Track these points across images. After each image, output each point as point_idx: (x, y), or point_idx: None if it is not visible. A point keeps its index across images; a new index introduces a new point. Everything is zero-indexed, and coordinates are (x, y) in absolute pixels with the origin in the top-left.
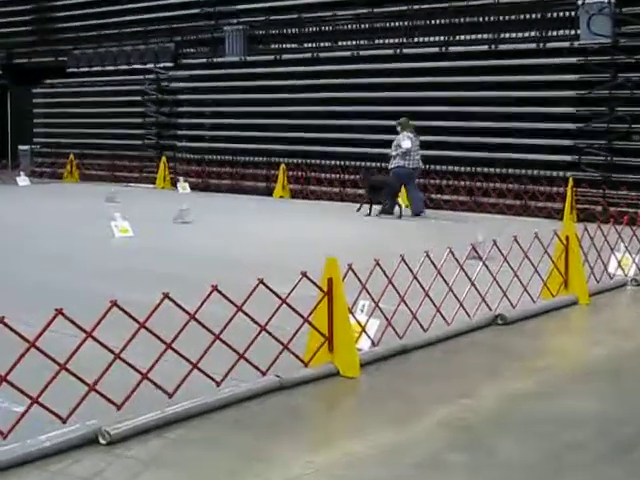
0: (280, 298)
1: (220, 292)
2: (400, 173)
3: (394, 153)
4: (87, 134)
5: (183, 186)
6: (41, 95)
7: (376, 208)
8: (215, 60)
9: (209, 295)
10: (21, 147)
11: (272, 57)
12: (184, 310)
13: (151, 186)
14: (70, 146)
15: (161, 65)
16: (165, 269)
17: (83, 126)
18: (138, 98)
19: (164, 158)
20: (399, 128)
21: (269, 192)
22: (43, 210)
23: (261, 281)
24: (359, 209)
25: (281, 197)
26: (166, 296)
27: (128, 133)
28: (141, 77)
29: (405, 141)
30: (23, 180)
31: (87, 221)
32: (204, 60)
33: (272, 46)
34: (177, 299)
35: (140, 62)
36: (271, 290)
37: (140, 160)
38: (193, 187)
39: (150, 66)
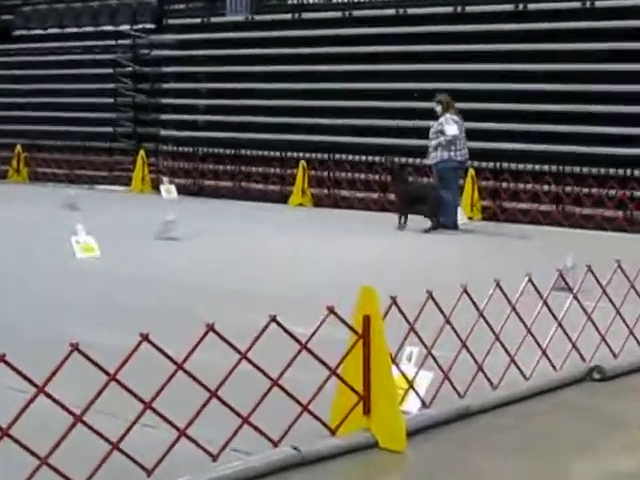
0: (298, 342)
1: (217, 333)
2: (445, 169)
3: (435, 143)
4: (39, 119)
5: (168, 189)
6: None
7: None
8: (212, 20)
9: (203, 337)
10: None
11: (289, 16)
12: (168, 357)
13: (125, 189)
14: (16, 134)
15: (139, 26)
16: (142, 301)
17: (34, 108)
18: (108, 71)
19: (142, 152)
20: (439, 109)
21: (284, 198)
22: None
23: (273, 319)
24: (402, 226)
25: (300, 205)
26: (145, 338)
27: (94, 118)
28: (112, 42)
29: (450, 125)
30: None
31: (38, 236)
32: (197, 20)
33: (288, 1)
34: (159, 342)
35: (111, 22)
36: (286, 331)
37: (110, 154)
38: (182, 191)
39: (124, 28)
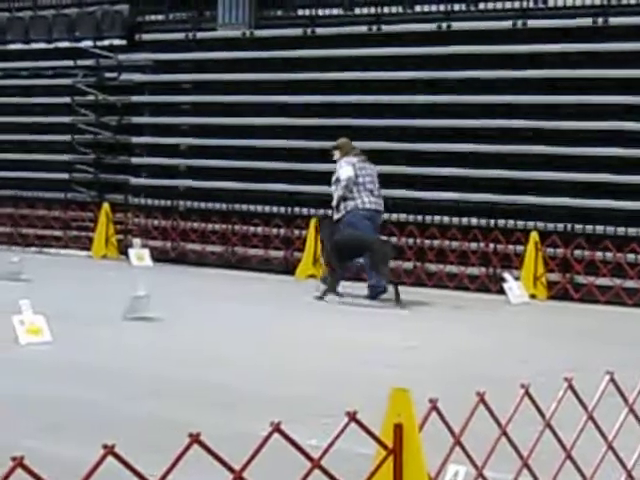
0: (309, 458)
1: (205, 446)
2: (355, 220)
3: (335, 195)
4: None
5: (139, 255)
6: None
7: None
8: (199, 36)
9: (184, 452)
10: None
11: (299, 30)
12: (140, 478)
13: (84, 253)
14: None
15: (106, 43)
16: (103, 401)
17: None
18: (64, 100)
19: (107, 205)
20: (337, 154)
21: (289, 268)
22: None
23: (277, 428)
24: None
25: (311, 277)
26: (110, 451)
27: (46, 160)
28: (70, 63)
29: (343, 168)
30: None
31: None
32: (180, 35)
33: (298, 12)
34: (126, 456)
35: (68, 37)
36: (294, 443)
37: (65, 208)
38: (158, 257)
39: (87, 44)
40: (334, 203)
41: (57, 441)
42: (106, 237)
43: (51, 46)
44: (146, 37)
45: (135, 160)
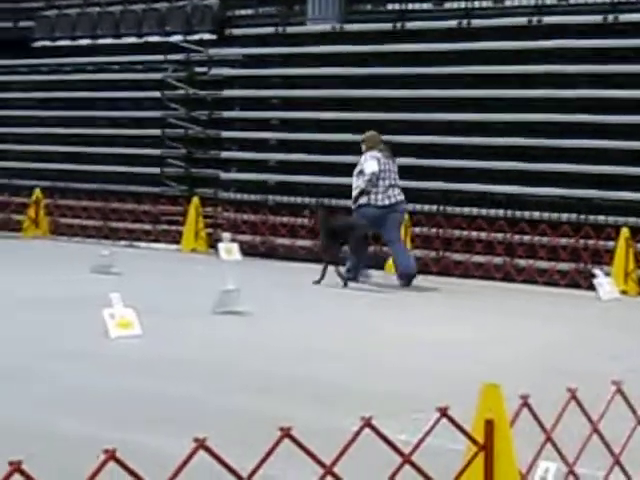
0: (400, 453)
1: (295, 441)
2: (364, 216)
3: (355, 186)
4: (64, 155)
5: (228, 249)
6: None
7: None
8: (289, 30)
9: (275, 445)
10: None
11: (388, 26)
12: (232, 472)
13: (173, 247)
14: (35, 175)
15: (196, 37)
16: (196, 394)
17: (57, 141)
18: (155, 94)
19: (196, 199)
20: (363, 147)
21: (379, 262)
22: None
23: (368, 423)
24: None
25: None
26: (201, 445)
27: (136, 154)
28: (160, 58)
29: (368, 162)
30: None
31: (60, 308)
32: (270, 30)
33: (388, 6)
34: (217, 450)
35: (158, 32)
36: (384, 439)
37: (155, 202)
38: (247, 251)
39: (176, 39)
40: (354, 194)
41: (149, 434)
42: (196, 231)
43: (141, 40)
44: (236, 31)
45: (225, 154)
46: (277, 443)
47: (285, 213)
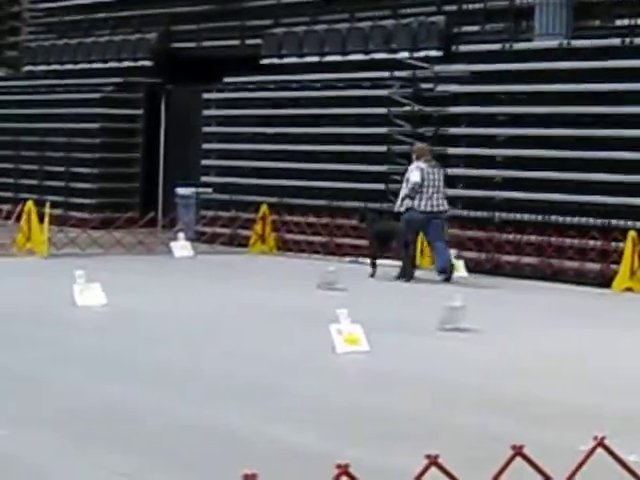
0: (634, 475)
1: (528, 459)
2: (407, 218)
3: (402, 191)
4: (290, 171)
5: (456, 265)
6: (217, 102)
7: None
8: (516, 46)
9: (509, 462)
10: (180, 191)
11: (617, 41)
12: None
13: (397, 263)
14: (262, 191)
15: (422, 54)
16: (428, 412)
17: (285, 157)
18: (380, 111)
19: None
20: (413, 157)
21: (605, 281)
22: (211, 302)
23: (601, 442)
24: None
25: (628, 290)
26: (433, 462)
27: (360, 171)
28: (386, 75)
29: (412, 173)
30: (182, 248)
31: (287, 323)
32: (497, 46)
33: (616, 22)
34: (446, 465)
35: (385, 49)
36: (617, 459)
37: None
38: (472, 268)
39: (402, 56)
40: (399, 199)
41: (380, 451)
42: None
43: (367, 57)
44: (462, 48)
45: (451, 171)
46: (509, 461)
47: (511, 230)
